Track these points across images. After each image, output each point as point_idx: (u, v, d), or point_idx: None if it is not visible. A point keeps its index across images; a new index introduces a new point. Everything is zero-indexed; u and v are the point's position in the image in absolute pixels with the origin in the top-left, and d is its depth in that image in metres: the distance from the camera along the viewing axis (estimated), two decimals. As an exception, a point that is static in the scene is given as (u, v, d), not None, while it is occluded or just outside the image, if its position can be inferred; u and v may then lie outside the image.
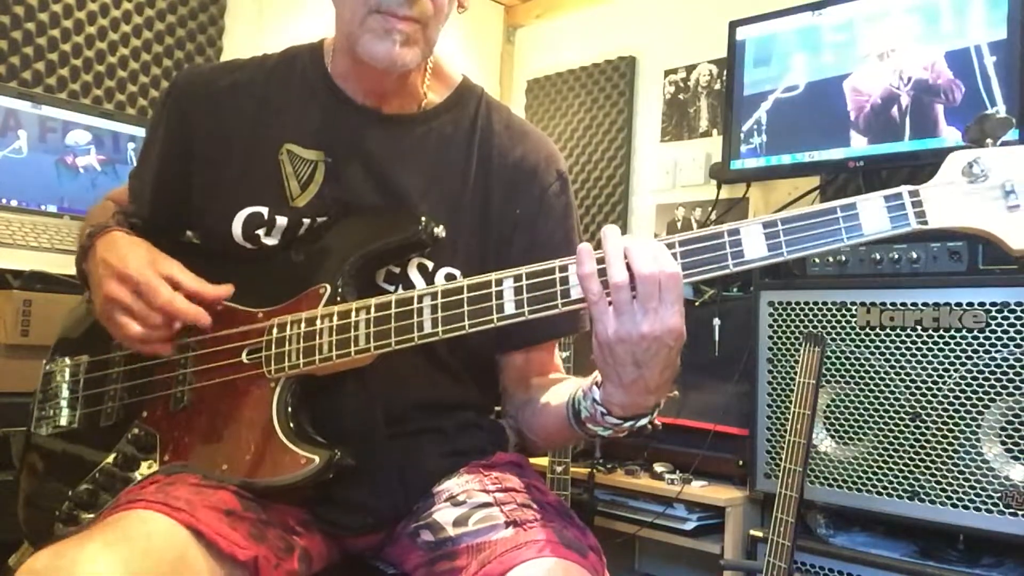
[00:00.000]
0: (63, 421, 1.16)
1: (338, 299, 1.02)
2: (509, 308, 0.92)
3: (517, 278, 0.92)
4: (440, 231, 1.05)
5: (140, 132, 2.18)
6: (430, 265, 1.10)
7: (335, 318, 1.00)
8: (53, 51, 2.28)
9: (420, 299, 0.96)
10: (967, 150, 0.84)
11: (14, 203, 1.99)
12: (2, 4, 2.18)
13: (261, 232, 1.10)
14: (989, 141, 0.84)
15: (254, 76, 1.16)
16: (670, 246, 0.86)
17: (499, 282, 0.93)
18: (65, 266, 1.66)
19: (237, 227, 1.10)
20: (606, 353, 0.87)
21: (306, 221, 1.10)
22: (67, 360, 1.19)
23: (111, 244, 1.09)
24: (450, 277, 1.09)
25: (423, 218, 1.04)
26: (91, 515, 1.05)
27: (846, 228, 0.84)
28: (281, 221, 1.10)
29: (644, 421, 0.94)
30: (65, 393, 1.17)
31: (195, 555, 0.87)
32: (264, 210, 1.10)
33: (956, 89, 2.00)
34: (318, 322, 1.01)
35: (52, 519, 1.09)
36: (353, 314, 0.99)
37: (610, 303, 0.85)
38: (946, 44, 2.02)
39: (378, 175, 1.11)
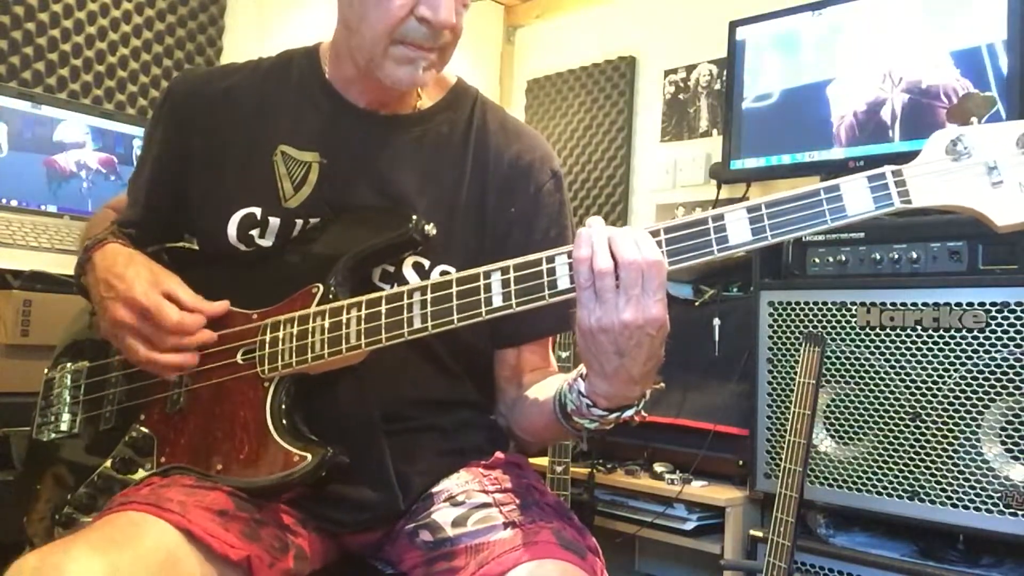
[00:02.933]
0: (64, 426, 1.17)
1: (331, 298, 1.02)
2: (497, 301, 0.92)
3: (504, 271, 0.92)
4: (431, 229, 1.05)
5: (140, 132, 2.18)
6: (426, 263, 1.10)
7: (327, 316, 1.00)
8: (53, 51, 2.28)
9: (410, 295, 0.96)
10: (951, 128, 0.83)
11: (14, 203, 2.00)
12: (2, 4, 2.19)
13: (255, 233, 1.10)
14: (974, 120, 0.83)
15: (249, 79, 1.16)
16: (655, 234, 0.87)
17: (487, 275, 0.93)
18: (65, 266, 1.66)
19: (232, 229, 1.10)
20: (589, 342, 0.87)
21: (299, 222, 1.10)
22: (68, 366, 1.20)
23: (110, 261, 1.09)
24: (445, 275, 1.09)
25: (414, 216, 1.04)
26: (89, 518, 1.05)
27: (830, 209, 0.84)
28: (274, 222, 1.10)
29: (630, 412, 0.94)
30: (66, 399, 1.18)
31: (186, 556, 0.87)
32: (257, 211, 1.10)
33: (960, 90, 1.99)
34: (310, 321, 1.01)
35: (52, 523, 1.10)
36: (344, 312, 0.99)
37: (594, 291, 0.85)
38: (950, 44, 2.01)
39: (374, 175, 1.11)
